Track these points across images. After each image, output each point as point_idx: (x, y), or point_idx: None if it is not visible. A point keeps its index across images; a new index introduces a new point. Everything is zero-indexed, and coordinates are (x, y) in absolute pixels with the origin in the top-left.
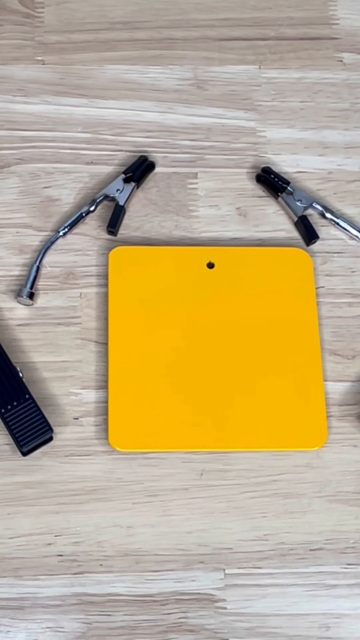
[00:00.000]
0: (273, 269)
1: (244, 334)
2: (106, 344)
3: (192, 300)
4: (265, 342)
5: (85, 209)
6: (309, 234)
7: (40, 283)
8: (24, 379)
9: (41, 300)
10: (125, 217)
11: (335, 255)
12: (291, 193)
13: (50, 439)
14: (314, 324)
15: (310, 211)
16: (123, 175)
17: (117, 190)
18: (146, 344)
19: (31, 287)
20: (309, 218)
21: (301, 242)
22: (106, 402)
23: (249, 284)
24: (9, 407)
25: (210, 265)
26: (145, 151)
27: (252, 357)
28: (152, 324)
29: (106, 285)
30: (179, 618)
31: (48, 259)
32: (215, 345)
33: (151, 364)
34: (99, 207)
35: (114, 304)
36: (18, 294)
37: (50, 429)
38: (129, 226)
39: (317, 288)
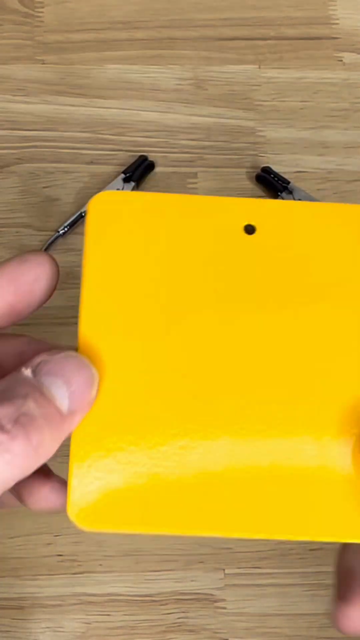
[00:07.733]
0: (341, 239)
1: (300, 343)
2: None
3: (220, 283)
4: (330, 353)
5: (85, 208)
6: None
7: None
8: None
9: None
10: None
11: None
12: (291, 193)
13: None
14: None
15: None
16: (123, 175)
17: (117, 189)
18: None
19: None
20: None
21: None
22: None
23: (309, 261)
24: None
25: (250, 230)
26: (145, 151)
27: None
28: (152, 324)
29: None
30: (179, 618)
31: None
32: (252, 365)
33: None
34: None
35: (90, 292)
36: None
37: None
38: None
39: None
